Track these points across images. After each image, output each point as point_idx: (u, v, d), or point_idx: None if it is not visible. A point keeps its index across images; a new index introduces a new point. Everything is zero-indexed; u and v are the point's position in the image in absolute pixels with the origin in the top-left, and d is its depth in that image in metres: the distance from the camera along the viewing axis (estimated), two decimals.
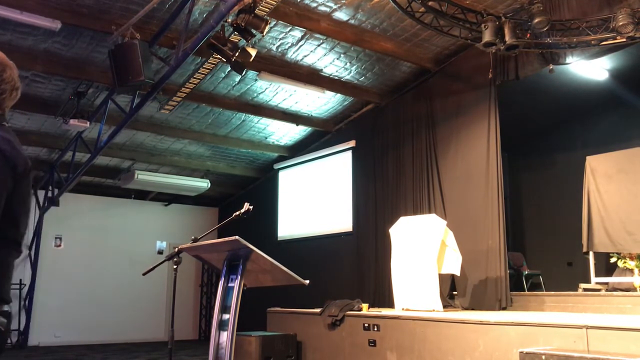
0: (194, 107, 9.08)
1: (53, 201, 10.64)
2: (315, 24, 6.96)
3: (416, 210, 8.18)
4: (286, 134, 10.51)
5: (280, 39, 7.41)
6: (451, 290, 7.65)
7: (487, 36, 5.91)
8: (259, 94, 8.86)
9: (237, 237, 3.25)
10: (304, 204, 10.78)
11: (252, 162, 11.83)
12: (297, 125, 9.93)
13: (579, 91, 8.06)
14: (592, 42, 6.16)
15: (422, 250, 6.74)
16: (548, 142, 9.60)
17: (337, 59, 7.99)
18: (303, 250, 10.35)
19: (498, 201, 7.20)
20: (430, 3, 6.01)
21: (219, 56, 6.20)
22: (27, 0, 6.00)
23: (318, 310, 7.13)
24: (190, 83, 7.70)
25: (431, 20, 6.23)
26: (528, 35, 6.21)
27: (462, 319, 5.48)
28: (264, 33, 5.86)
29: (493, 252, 7.14)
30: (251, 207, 3.72)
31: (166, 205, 13.30)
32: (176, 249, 3.68)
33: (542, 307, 6.74)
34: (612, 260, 7.08)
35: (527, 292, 7.98)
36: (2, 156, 1.82)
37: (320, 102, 9.34)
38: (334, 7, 6.77)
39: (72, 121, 7.83)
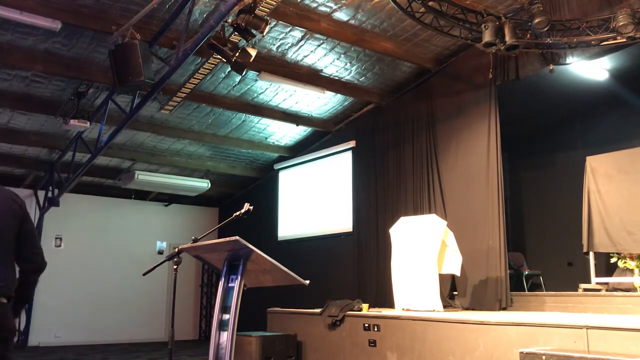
0: (194, 107, 9.08)
1: (53, 201, 10.63)
2: (316, 24, 6.96)
3: (416, 210, 8.18)
4: (286, 134, 10.51)
5: (281, 39, 7.41)
6: (451, 290, 7.65)
7: (487, 36, 5.91)
8: (259, 94, 8.86)
9: (237, 237, 3.25)
10: (304, 204, 10.78)
11: (252, 162, 11.83)
12: (297, 125, 9.93)
13: (579, 91, 8.06)
14: (593, 42, 6.16)
15: (423, 251, 6.74)
16: (548, 142, 9.60)
17: (337, 59, 7.99)
18: (303, 250, 10.36)
19: (498, 201, 7.20)
20: (430, 3, 6.01)
21: (219, 56, 6.20)
22: (27, 0, 6.00)
23: (318, 310, 7.13)
24: (191, 83, 7.69)
25: (431, 20, 6.23)
26: (528, 36, 6.22)
27: (462, 319, 5.49)
28: (264, 33, 5.86)
29: (493, 252, 7.14)
30: (251, 208, 3.72)
31: (166, 205, 13.31)
32: (176, 249, 3.67)
33: (543, 307, 6.74)
34: (612, 260, 7.08)
35: (527, 292, 7.98)
36: None
37: (321, 102, 9.34)
38: (334, 7, 6.77)
39: (72, 121, 7.83)
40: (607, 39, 6.03)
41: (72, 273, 11.60)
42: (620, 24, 5.64)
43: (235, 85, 8.51)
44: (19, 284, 2.79)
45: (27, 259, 2.80)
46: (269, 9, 5.96)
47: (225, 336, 3.37)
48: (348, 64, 8.17)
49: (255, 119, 9.72)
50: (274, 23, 6.91)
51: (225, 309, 3.44)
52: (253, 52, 6.26)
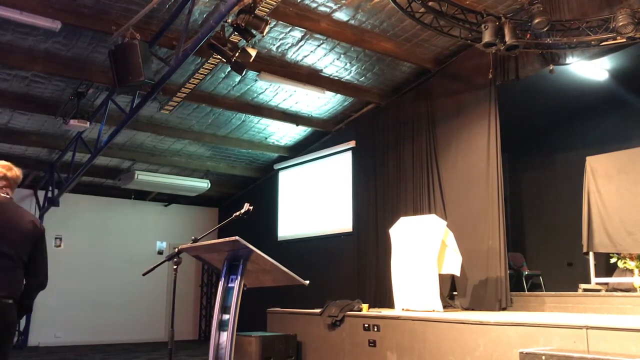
0: (194, 107, 9.08)
1: (53, 201, 10.63)
2: (315, 24, 6.96)
3: (416, 210, 8.17)
4: (286, 134, 10.51)
5: (280, 39, 7.41)
6: (451, 290, 7.64)
7: (487, 36, 5.91)
8: (259, 94, 8.86)
9: (237, 237, 3.25)
10: (304, 204, 10.78)
11: (252, 162, 11.83)
12: (297, 125, 9.93)
13: (579, 91, 8.06)
14: (592, 42, 6.16)
15: (422, 251, 6.74)
16: (548, 142, 9.60)
17: (337, 59, 7.99)
18: (303, 250, 10.36)
19: (498, 201, 7.20)
20: (430, 3, 6.01)
21: (219, 56, 6.20)
22: (27, 1, 6.00)
23: (318, 310, 7.13)
24: (190, 83, 7.69)
25: (431, 20, 6.23)
26: (528, 36, 6.21)
27: (462, 319, 5.49)
28: (264, 33, 5.86)
29: (493, 252, 7.14)
30: (251, 208, 3.72)
31: (166, 205, 13.30)
32: (176, 249, 3.67)
33: (542, 307, 6.74)
34: (612, 260, 7.08)
35: (527, 292, 7.98)
36: None
37: (320, 103, 9.34)
38: (334, 7, 6.77)
39: (72, 121, 7.83)
40: (607, 39, 6.03)
41: (72, 273, 11.59)
42: (620, 24, 5.64)
43: (235, 85, 8.51)
44: (21, 295, 3.15)
45: (32, 275, 3.22)
46: (268, 9, 5.96)
47: (225, 336, 3.37)
48: (348, 64, 8.16)
49: (255, 119, 9.72)
50: (274, 23, 6.91)
51: (225, 309, 3.44)
52: (253, 52, 6.27)
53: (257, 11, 5.66)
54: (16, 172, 3.35)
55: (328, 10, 6.83)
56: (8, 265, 3.06)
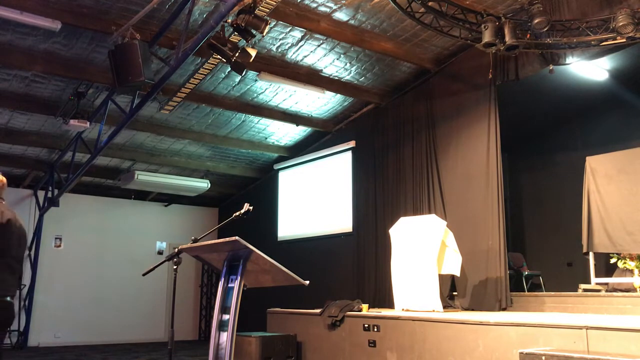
0: (194, 107, 9.08)
1: (53, 201, 10.64)
2: (315, 25, 6.96)
3: (416, 210, 8.18)
4: (286, 134, 10.51)
5: (280, 40, 7.41)
6: (451, 290, 7.65)
7: (487, 36, 5.91)
8: (259, 94, 8.86)
9: (237, 237, 3.25)
10: (304, 204, 10.78)
11: (252, 162, 11.83)
12: (297, 125, 9.93)
13: (579, 91, 8.06)
14: (592, 42, 6.16)
15: (422, 251, 6.74)
16: (548, 142, 9.60)
17: (337, 59, 7.99)
18: (303, 251, 10.35)
19: (498, 201, 7.20)
20: (430, 3, 6.01)
21: (219, 56, 6.20)
22: (27, 1, 6.01)
23: (318, 310, 7.13)
24: (190, 83, 7.70)
25: (431, 20, 6.23)
26: (528, 36, 6.21)
27: (462, 319, 5.49)
28: (264, 33, 5.86)
29: (493, 252, 7.14)
30: (251, 208, 3.72)
31: (166, 205, 13.31)
32: (176, 249, 3.67)
33: (542, 307, 6.73)
34: (612, 260, 7.09)
35: (527, 292, 7.98)
36: None
37: (320, 103, 9.34)
38: (334, 7, 6.77)
39: (72, 121, 7.84)
40: (607, 39, 6.03)
41: (72, 273, 11.60)
42: (620, 24, 5.64)
43: (235, 85, 8.51)
44: None
45: None
46: (268, 9, 5.96)
47: (225, 336, 3.37)
48: (348, 64, 8.16)
49: (255, 119, 9.72)
50: (274, 23, 6.91)
51: (225, 309, 3.44)
52: (253, 52, 6.27)
53: (257, 11, 5.66)
54: (2, 178, 3.72)
55: (328, 10, 6.83)
56: (15, 268, 3.48)
